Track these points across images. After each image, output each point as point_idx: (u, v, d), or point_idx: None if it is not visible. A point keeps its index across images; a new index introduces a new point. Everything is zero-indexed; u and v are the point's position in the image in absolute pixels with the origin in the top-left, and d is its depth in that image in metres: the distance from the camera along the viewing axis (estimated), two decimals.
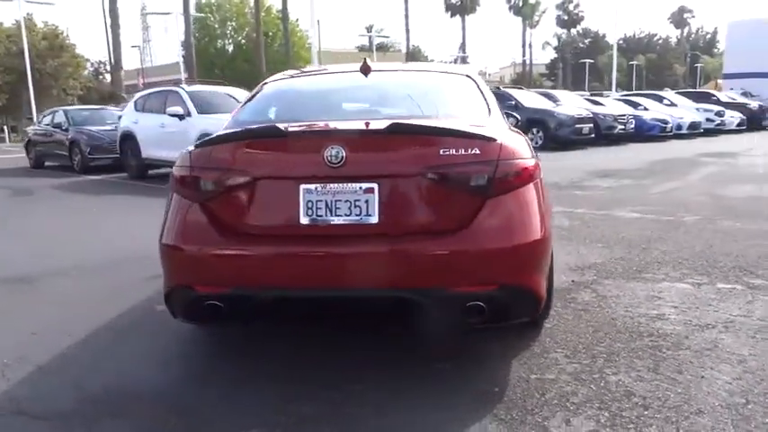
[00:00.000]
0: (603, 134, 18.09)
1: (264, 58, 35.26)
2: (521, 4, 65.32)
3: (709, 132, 22.29)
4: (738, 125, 23.87)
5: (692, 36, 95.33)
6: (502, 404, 2.59)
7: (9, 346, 3.38)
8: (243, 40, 49.92)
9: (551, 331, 3.37)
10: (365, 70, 3.49)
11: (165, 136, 10.88)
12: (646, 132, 19.69)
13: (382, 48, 46.00)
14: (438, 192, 2.62)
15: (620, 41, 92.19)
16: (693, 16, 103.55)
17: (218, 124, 10.96)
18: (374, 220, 2.61)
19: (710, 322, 3.49)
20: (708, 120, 22.84)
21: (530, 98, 18.08)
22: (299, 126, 2.72)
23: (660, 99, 23.77)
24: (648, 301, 3.87)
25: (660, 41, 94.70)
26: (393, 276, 2.60)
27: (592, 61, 62.41)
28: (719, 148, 16.50)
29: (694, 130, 21.46)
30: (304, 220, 2.64)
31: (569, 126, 16.66)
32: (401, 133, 2.65)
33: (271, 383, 2.85)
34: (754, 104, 26.76)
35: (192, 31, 28.87)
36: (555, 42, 75.43)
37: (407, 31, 59.25)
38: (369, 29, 59.70)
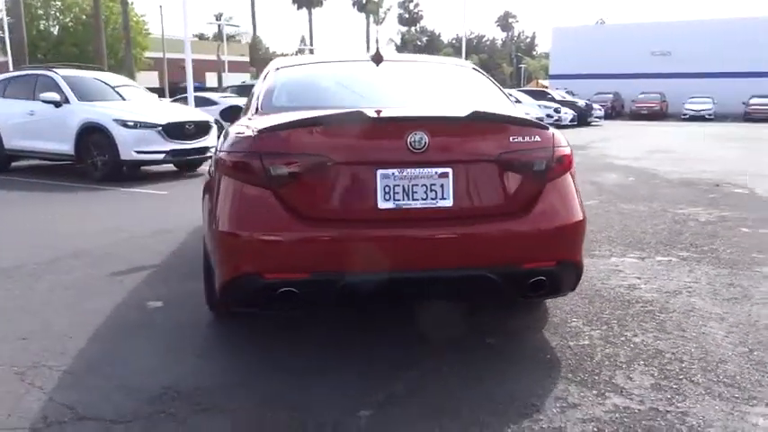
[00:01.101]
0: None
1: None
2: (364, 0, 66.65)
3: None
4: (571, 121, 26.46)
5: (515, 39, 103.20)
6: (564, 369, 2.86)
7: (5, 354, 3.03)
8: (71, 23, 45.81)
9: (554, 304, 3.70)
10: (377, 60, 3.59)
11: (36, 125, 9.88)
12: None
13: (224, 37, 44.56)
14: (506, 176, 2.81)
15: (453, 41, 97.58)
16: (517, 21, 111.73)
17: (106, 113, 10.22)
18: (449, 203, 2.74)
19: (675, 289, 4.04)
20: (548, 116, 25.05)
21: None
22: (380, 112, 2.76)
23: None
24: (614, 275, 4.36)
25: (488, 43, 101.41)
26: (470, 256, 2.75)
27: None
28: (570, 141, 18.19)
29: None
30: (382, 205, 2.70)
31: None
32: (479, 120, 2.80)
33: (348, 368, 2.88)
34: (581, 102, 29.91)
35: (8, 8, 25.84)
36: (399, 39, 78.15)
37: (254, 20, 57.90)
38: (218, 17, 57.52)
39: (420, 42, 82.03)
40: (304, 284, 2.68)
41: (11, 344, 3.18)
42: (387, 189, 2.70)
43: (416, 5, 77.06)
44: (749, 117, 33.22)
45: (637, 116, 36.45)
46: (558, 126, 25.18)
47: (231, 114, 5.15)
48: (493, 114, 2.97)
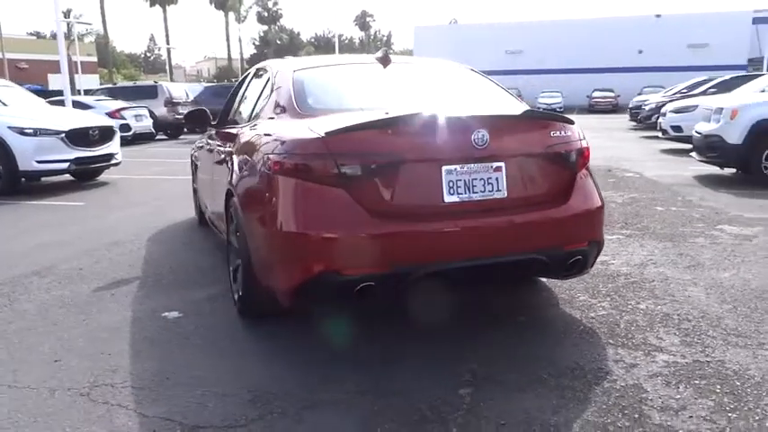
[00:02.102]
0: None
1: None
2: None
3: None
4: None
5: (372, 38, 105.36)
6: (602, 336, 3.21)
7: (48, 377, 2.85)
8: None
9: (552, 284, 4.06)
10: (384, 61, 3.76)
11: None
12: None
13: (75, 36, 41.34)
14: (548, 167, 3.11)
15: (312, 39, 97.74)
16: (374, 20, 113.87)
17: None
18: (503, 194, 2.99)
19: (640, 262, 4.58)
20: None
21: None
22: (445, 113, 2.93)
23: None
24: None
25: (347, 42, 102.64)
26: (525, 242, 3.02)
27: (293, 57, 64.99)
28: None
29: None
30: (448, 199, 2.89)
31: None
32: (530, 118, 3.07)
33: (420, 354, 3.02)
34: None
35: None
36: (259, 38, 76.87)
37: (104, 17, 54.35)
38: (66, 14, 53.15)
39: (280, 41, 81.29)
40: (382, 278, 2.81)
41: (46, 366, 2.99)
42: (451, 184, 2.90)
43: (275, 4, 76.29)
44: (593, 108, 36.61)
45: None
46: None
47: (198, 118, 5.08)
48: (540, 112, 3.27)
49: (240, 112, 4.44)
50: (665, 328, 3.30)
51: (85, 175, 9.63)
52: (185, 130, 20.81)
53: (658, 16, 45.20)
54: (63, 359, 3.07)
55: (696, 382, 2.69)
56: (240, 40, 66.78)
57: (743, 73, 22.79)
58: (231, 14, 67.90)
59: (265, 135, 3.23)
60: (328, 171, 2.79)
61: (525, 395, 2.60)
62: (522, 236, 3.01)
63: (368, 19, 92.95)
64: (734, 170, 8.87)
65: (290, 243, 2.84)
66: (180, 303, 3.85)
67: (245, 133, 3.59)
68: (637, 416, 2.42)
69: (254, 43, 79.36)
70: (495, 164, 2.97)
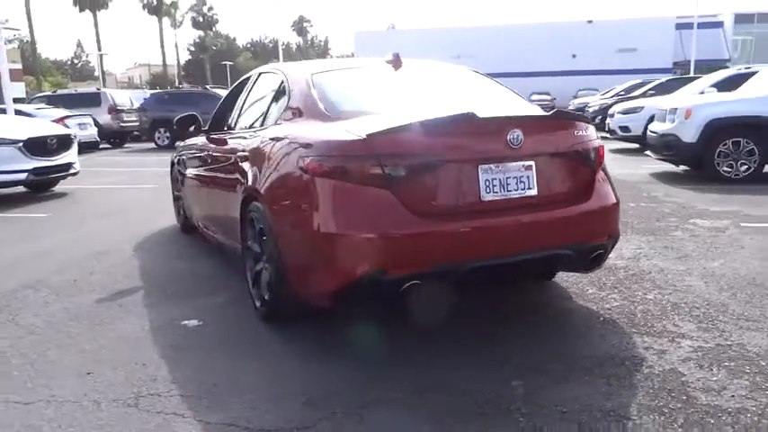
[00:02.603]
0: None
1: None
2: (155, 2, 63.28)
3: None
4: None
5: (309, 43, 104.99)
6: (624, 326, 3.36)
7: (89, 389, 2.77)
8: None
9: (559, 278, 4.20)
10: (396, 64, 3.84)
11: None
12: None
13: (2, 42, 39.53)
14: (572, 166, 3.24)
15: (248, 45, 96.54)
16: (312, 25, 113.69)
17: None
18: (534, 192, 3.09)
19: (632, 255, 4.79)
20: None
21: None
22: (481, 114, 3.00)
23: None
24: None
25: (284, 47, 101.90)
26: (555, 237, 3.13)
27: (232, 63, 63.99)
28: None
29: None
30: (485, 197, 2.98)
31: None
32: (559, 118, 3.20)
33: (463, 351, 3.09)
34: None
35: None
36: (199, 43, 75.34)
37: (30, 23, 52.15)
38: None
39: (216, 47, 79.91)
40: (427, 277, 2.86)
41: (80, 379, 2.89)
42: (487, 182, 2.98)
43: (210, 9, 75.00)
44: None
45: None
46: None
47: (189, 123, 5.02)
48: (569, 113, 3.38)
49: (245, 117, 4.39)
50: (678, 315, 3.48)
51: (41, 186, 9.24)
52: (128, 138, 20.26)
53: (590, 22, 46.96)
54: (95, 371, 2.98)
55: (726, 364, 2.85)
56: (177, 46, 65.47)
57: (673, 76, 23.96)
58: (166, 20, 66.29)
59: (293, 138, 3.22)
60: (373, 172, 2.82)
61: (573, 384, 2.70)
62: (552, 232, 3.13)
63: (305, 24, 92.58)
64: (686, 168, 9.34)
65: (336, 244, 2.86)
66: (194, 311, 3.79)
67: (265, 137, 3.56)
68: (684, 397, 2.55)
69: (188, 49, 77.71)
70: (527, 162, 3.07)
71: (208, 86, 20.64)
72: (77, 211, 7.90)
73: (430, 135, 2.90)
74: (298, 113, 3.47)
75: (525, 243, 3.06)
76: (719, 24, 46.17)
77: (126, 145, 20.26)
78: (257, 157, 3.54)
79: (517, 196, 3.05)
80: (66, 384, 2.85)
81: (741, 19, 47.68)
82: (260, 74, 4.48)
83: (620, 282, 4.12)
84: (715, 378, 2.72)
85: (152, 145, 18.90)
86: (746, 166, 8.46)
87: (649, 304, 3.67)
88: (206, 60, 72.05)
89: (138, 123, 19.33)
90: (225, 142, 4.35)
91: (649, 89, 17.87)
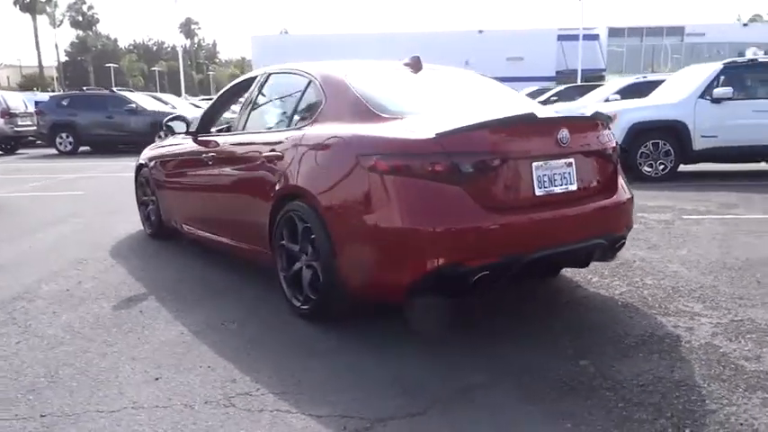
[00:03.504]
0: None
1: None
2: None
3: None
4: None
5: (196, 46, 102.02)
6: (641, 309, 3.69)
7: (170, 394, 2.70)
8: None
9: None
10: (416, 67, 4.02)
11: None
12: None
13: None
14: (600, 162, 3.54)
15: (131, 47, 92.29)
16: (200, 27, 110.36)
17: None
18: (574, 187, 3.36)
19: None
20: None
21: (148, 101, 17.66)
22: (536, 115, 3.22)
23: None
24: None
25: (169, 50, 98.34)
26: (595, 228, 3.41)
27: (116, 65, 61.02)
28: None
29: None
30: (538, 192, 3.20)
31: None
32: (595, 119, 3.48)
33: (515, 340, 3.28)
34: None
35: None
36: (79, 44, 70.86)
37: None
38: None
39: (97, 47, 75.70)
40: (496, 267, 3.04)
41: (152, 384, 2.81)
42: (539, 178, 3.21)
43: (90, 8, 70.88)
44: None
45: None
46: None
47: (179, 125, 4.91)
48: (603, 114, 3.66)
49: (260, 118, 4.36)
50: (682, 297, 3.87)
51: None
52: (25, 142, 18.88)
53: (481, 32, 49.14)
54: (162, 376, 2.90)
55: (749, 336, 3.24)
56: (57, 47, 61.02)
57: (575, 84, 25.63)
58: (44, 18, 61.97)
59: (346, 137, 3.29)
60: (444, 169, 2.96)
61: (634, 360, 2.98)
62: (593, 223, 3.41)
63: (193, 27, 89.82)
64: None
65: (412, 238, 2.96)
66: (224, 314, 3.73)
67: (304, 136, 3.56)
68: (733, 366, 2.89)
69: (65, 50, 73.05)
70: (568, 160, 3.33)
71: (114, 89, 19.60)
72: (17, 221, 7.33)
73: (495, 134, 3.09)
74: (339, 113, 3.52)
75: (575, 234, 3.32)
76: (596, 37, 49.82)
77: (20, 151, 18.86)
78: (297, 156, 3.55)
79: (561, 191, 3.30)
80: (140, 391, 2.76)
81: (614, 33, 51.69)
82: (269, 74, 4.46)
83: (615, 270, 4.49)
84: (747, 348, 3.09)
85: (53, 151, 17.68)
86: (664, 166, 9.33)
87: (652, 289, 4.05)
88: (88, 62, 68.03)
89: (34, 128, 18.02)
90: (237, 143, 4.29)
91: (551, 96, 19.08)
